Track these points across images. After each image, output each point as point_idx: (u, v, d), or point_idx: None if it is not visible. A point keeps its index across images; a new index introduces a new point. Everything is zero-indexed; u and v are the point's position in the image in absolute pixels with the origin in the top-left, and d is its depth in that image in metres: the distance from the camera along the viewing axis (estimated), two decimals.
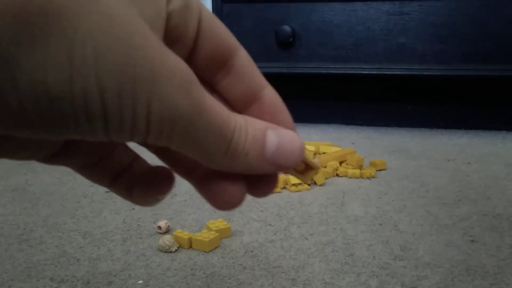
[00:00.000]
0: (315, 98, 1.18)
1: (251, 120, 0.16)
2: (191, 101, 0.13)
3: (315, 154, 0.78)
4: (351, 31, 1.07)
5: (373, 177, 0.71)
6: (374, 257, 0.44)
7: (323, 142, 0.86)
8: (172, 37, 0.15)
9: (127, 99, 0.12)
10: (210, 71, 0.17)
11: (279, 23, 1.09)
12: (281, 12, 1.09)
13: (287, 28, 1.08)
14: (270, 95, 0.17)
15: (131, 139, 0.13)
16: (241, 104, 0.18)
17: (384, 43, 1.05)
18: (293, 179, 0.64)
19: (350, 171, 0.71)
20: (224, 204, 0.17)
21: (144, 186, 0.18)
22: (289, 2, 1.08)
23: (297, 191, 0.64)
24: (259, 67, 0.17)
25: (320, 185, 0.67)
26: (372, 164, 0.75)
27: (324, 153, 0.79)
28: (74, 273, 0.40)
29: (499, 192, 0.64)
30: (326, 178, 0.70)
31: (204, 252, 0.44)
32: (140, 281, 0.39)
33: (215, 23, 0.16)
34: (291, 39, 1.08)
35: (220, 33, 0.16)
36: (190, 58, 0.17)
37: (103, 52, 0.11)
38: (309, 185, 0.65)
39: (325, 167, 0.73)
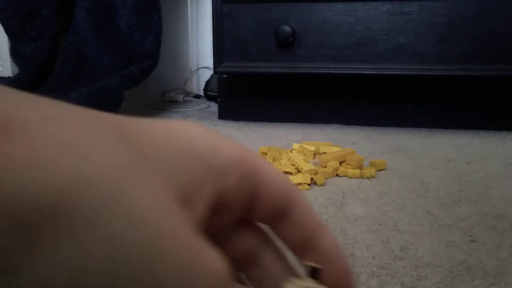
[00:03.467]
0: (315, 98, 1.18)
1: None
2: None
3: (315, 154, 0.78)
4: (351, 31, 1.07)
5: (373, 177, 0.71)
6: (374, 257, 0.44)
7: (323, 142, 0.86)
8: (223, 207, 0.15)
9: None
10: (270, 220, 0.17)
11: (279, 23, 1.09)
12: (281, 12, 1.09)
13: (287, 28, 1.08)
14: (328, 241, 0.17)
15: None
16: (298, 250, 0.17)
17: (384, 43, 1.05)
18: (293, 179, 0.64)
19: (350, 171, 0.71)
20: None
21: None
22: (289, 2, 1.08)
23: None
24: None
25: (320, 185, 0.66)
26: (372, 164, 0.75)
27: (324, 153, 0.79)
28: None
29: (499, 192, 0.64)
30: (326, 178, 0.70)
31: None
32: None
33: (272, 176, 0.16)
34: (291, 39, 1.08)
35: (278, 184, 0.16)
36: (247, 212, 0.16)
37: (118, 255, 0.10)
38: (309, 185, 0.65)
39: (325, 167, 0.73)
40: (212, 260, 0.12)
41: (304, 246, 0.17)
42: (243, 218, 0.16)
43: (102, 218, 0.10)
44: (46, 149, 0.10)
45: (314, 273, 0.16)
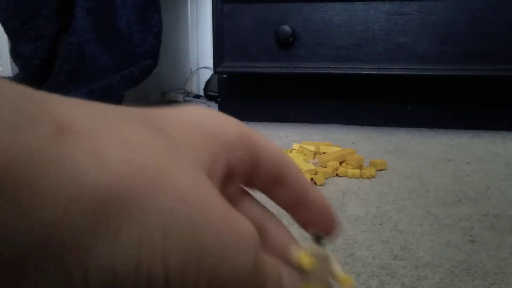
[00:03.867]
0: (315, 98, 1.18)
1: (274, 261, 0.17)
2: (254, 262, 0.14)
3: (315, 154, 0.78)
4: (351, 31, 1.07)
5: (373, 177, 0.71)
6: (374, 257, 0.44)
7: (323, 142, 0.86)
8: (230, 177, 0.17)
9: (191, 270, 0.12)
10: (266, 186, 0.19)
11: (279, 23, 1.09)
12: (281, 12, 1.09)
13: (287, 28, 1.08)
14: (317, 197, 0.20)
15: None
16: (292, 208, 0.20)
17: (384, 43, 1.05)
18: None
19: (350, 171, 0.71)
20: None
21: None
22: (289, 2, 1.08)
23: None
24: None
25: (320, 185, 0.67)
26: (372, 164, 0.75)
27: (324, 153, 0.79)
28: None
29: (499, 192, 0.64)
30: (326, 178, 0.70)
31: None
32: None
33: (269, 148, 0.18)
34: (291, 39, 1.08)
35: (273, 155, 0.18)
36: (247, 181, 0.18)
37: (171, 232, 0.12)
38: None
39: (325, 167, 0.73)
40: (245, 223, 0.14)
41: (298, 204, 0.19)
42: (243, 190, 0.19)
43: (157, 195, 0.12)
44: (102, 145, 0.11)
45: (318, 240, 0.18)
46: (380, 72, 1.06)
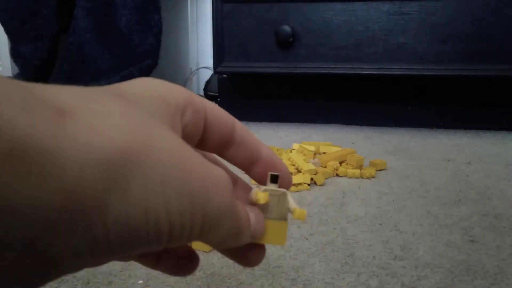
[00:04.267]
0: (315, 98, 1.18)
1: (243, 204, 0.19)
2: (230, 201, 0.17)
3: (315, 154, 0.78)
4: (351, 31, 1.07)
5: (373, 177, 0.71)
6: (374, 257, 0.44)
7: (323, 142, 0.86)
8: (186, 138, 0.19)
9: (187, 213, 0.15)
10: (218, 148, 0.21)
11: (279, 23, 1.09)
12: (281, 12, 1.09)
13: (287, 28, 1.08)
14: (267, 153, 0.22)
15: (186, 242, 0.16)
16: (246, 166, 0.22)
17: (384, 43, 1.05)
18: (293, 179, 0.64)
19: (350, 171, 0.71)
20: (253, 263, 0.21)
21: (171, 263, 0.22)
22: (289, 2, 1.08)
23: (297, 191, 0.64)
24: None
25: (320, 185, 0.66)
26: (372, 164, 0.75)
27: (324, 153, 0.79)
28: (74, 273, 0.40)
29: (499, 192, 0.64)
30: (326, 178, 0.70)
31: (204, 252, 0.44)
32: (140, 281, 0.39)
33: (216, 112, 0.20)
34: (291, 39, 1.08)
35: (222, 118, 0.20)
36: (201, 144, 0.20)
37: (167, 179, 0.14)
38: (309, 185, 0.65)
39: (325, 167, 0.73)
40: (220, 171, 0.17)
41: (251, 161, 0.22)
42: (200, 146, 0.21)
43: (153, 152, 0.14)
44: (95, 119, 0.13)
45: (274, 180, 0.21)
46: (380, 72, 1.06)
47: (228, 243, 0.18)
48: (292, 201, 0.21)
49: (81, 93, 0.14)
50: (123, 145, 0.13)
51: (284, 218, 0.21)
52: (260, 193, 0.20)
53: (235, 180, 0.23)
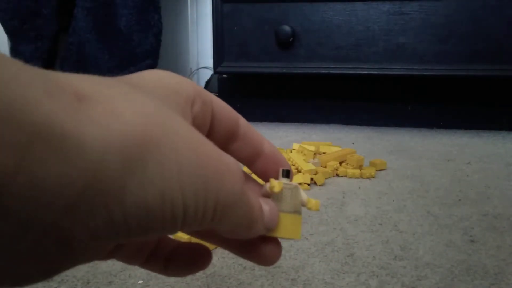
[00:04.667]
0: (315, 98, 1.18)
1: (255, 195, 0.20)
2: (242, 188, 0.17)
3: (315, 154, 0.78)
4: (351, 31, 1.07)
5: (373, 177, 0.71)
6: (374, 257, 0.44)
7: (323, 142, 0.86)
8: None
9: (201, 197, 0.15)
10: (224, 142, 0.22)
11: (279, 23, 1.09)
12: (281, 12, 1.09)
13: (287, 28, 1.08)
14: (269, 148, 0.23)
15: (198, 228, 0.16)
16: (249, 160, 0.23)
17: (384, 43, 1.05)
18: (294, 179, 0.64)
19: (350, 171, 0.71)
20: (270, 260, 0.21)
21: (183, 261, 0.22)
22: (289, 2, 1.08)
23: None
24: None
25: (320, 185, 0.67)
26: (372, 164, 0.75)
27: (324, 153, 0.79)
28: (74, 273, 0.40)
29: (499, 192, 0.64)
30: (326, 178, 0.70)
31: None
32: (140, 281, 0.39)
33: (222, 106, 0.21)
34: (291, 39, 1.08)
35: (227, 112, 0.21)
36: (208, 137, 0.20)
37: (182, 163, 0.15)
38: (309, 185, 0.65)
39: (325, 167, 0.73)
40: (231, 160, 0.17)
41: (254, 156, 0.22)
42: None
43: (168, 137, 0.14)
44: (113, 104, 0.14)
45: (286, 174, 0.21)
46: (380, 72, 1.06)
47: (241, 233, 0.19)
48: (304, 194, 0.21)
49: (98, 81, 0.15)
50: (141, 129, 0.14)
51: (298, 212, 0.21)
52: (275, 181, 0.20)
53: (247, 176, 0.23)
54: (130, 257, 0.21)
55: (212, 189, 0.15)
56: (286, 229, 0.21)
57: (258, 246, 0.21)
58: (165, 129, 0.14)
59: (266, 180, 0.22)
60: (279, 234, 0.21)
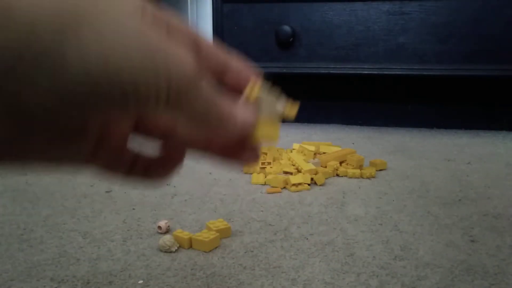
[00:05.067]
0: (315, 98, 1.18)
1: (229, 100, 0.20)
2: (195, 75, 0.16)
3: (315, 154, 0.78)
4: (351, 31, 1.07)
5: (373, 177, 0.71)
6: (374, 257, 0.44)
7: (323, 142, 0.86)
8: None
9: (150, 72, 0.15)
10: (216, 76, 0.22)
11: (279, 23, 1.09)
12: (281, 12, 1.09)
13: (287, 28, 1.08)
14: (236, 65, 0.23)
15: (156, 111, 0.16)
16: (219, 75, 0.22)
17: (384, 43, 1.05)
18: (293, 179, 0.64)
19: (350, 171, 0.71)
20: (247, 160, 0.22)
21: (160, 163, 0.22)
22: (289, 2, 1.08)
23: (297, 191, 0.64)
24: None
25: (320, 185, 0.67)
26: (372, 164, 0.75)
27: (324, 153, 0.79)
28: (74, 273, 0.40)
29: (499, 192, 0.64)
30: (326, 178, 0.70)
31: (204, 252, 0.44)
32: (140, 281, 0.39)
33: (210, 44, 0.21)
34: (291, 39, 1.08)
35: (215, 48, 0.22)
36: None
37: (123, 34, 0.14)
38: (309, 185, 0.65)
39: (325, 167, 0.73)
40: (182, 50, 0.16)
41: (223, 71, 0.22)
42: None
43: (107, 14, 0.14)
44: None
45: (267, 79, 0.22)
46: (380, 72, 1.06)
47: (214, 125, 0.19)
48: (282, 101, 0.23)
49: None
50: (72, 1, 0.14)
51: (276, 117, 0.22)
52: (248, 91, 0.22)
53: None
54: (110, 165, 0.21)
55: (161, 63, 0.15)
56: (264, 132, 0.22)
57: (237, 151, 0.22)
58: (104, 5, 0.14)
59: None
60: (257, 136, 0.22)
